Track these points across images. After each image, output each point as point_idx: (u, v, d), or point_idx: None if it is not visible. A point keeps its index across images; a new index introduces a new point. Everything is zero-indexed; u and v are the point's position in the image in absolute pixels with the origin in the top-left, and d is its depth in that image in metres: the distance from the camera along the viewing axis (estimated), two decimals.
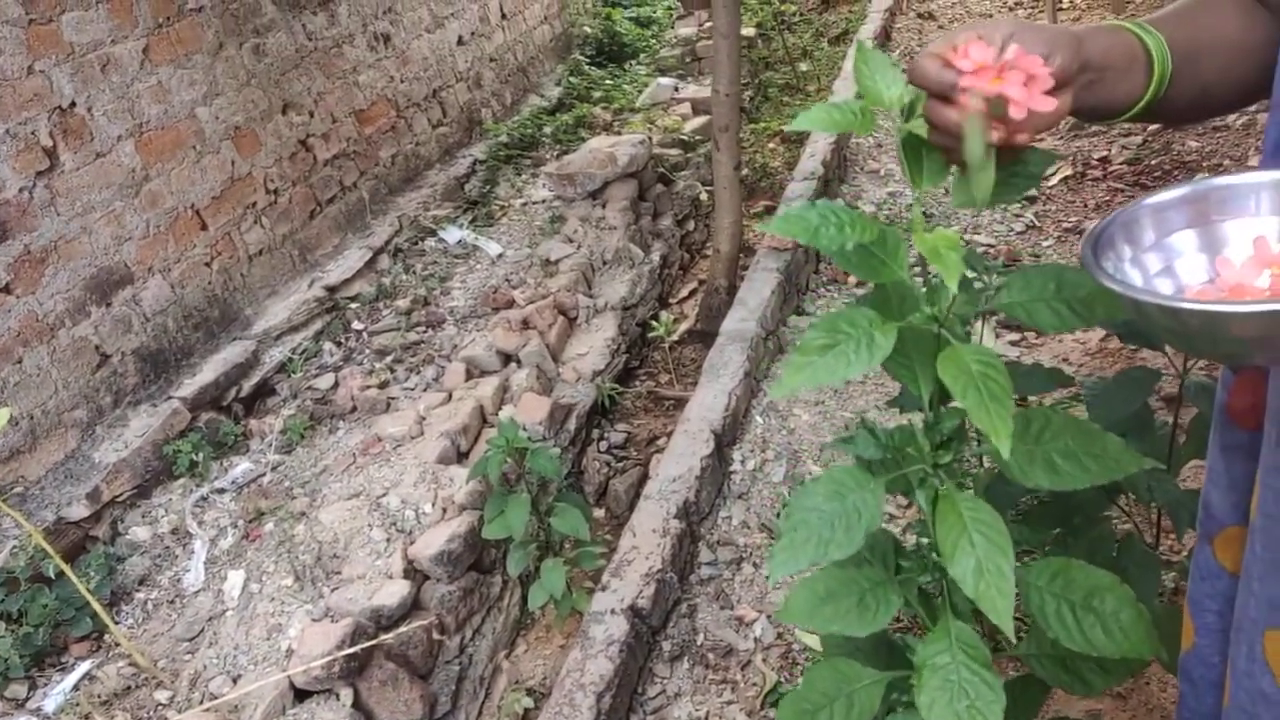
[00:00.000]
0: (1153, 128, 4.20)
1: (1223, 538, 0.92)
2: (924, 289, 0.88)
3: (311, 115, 3.91)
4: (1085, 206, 3.84)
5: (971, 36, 0.77)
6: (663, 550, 2.25)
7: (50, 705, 2.13)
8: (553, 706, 1.93)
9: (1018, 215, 3.93)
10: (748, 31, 6.46)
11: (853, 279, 3.72)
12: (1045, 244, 3.69)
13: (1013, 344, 3.18)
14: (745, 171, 4.61)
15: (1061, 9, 6.01)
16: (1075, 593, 0.92)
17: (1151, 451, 1.26)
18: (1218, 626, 0.91)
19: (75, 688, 2.19)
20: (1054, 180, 4.09)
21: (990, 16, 6.37)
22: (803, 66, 6.01)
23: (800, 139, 5.01)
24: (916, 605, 1.00)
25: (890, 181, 4.40)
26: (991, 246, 3.70)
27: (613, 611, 2.10)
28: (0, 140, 2.61)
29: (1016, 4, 6.52)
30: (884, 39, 6.16)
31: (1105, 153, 4.14)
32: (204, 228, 3.32)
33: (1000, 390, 0.74)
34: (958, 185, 0.80)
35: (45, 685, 2.23)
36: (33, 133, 2.70)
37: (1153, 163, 3.98)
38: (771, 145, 5.09)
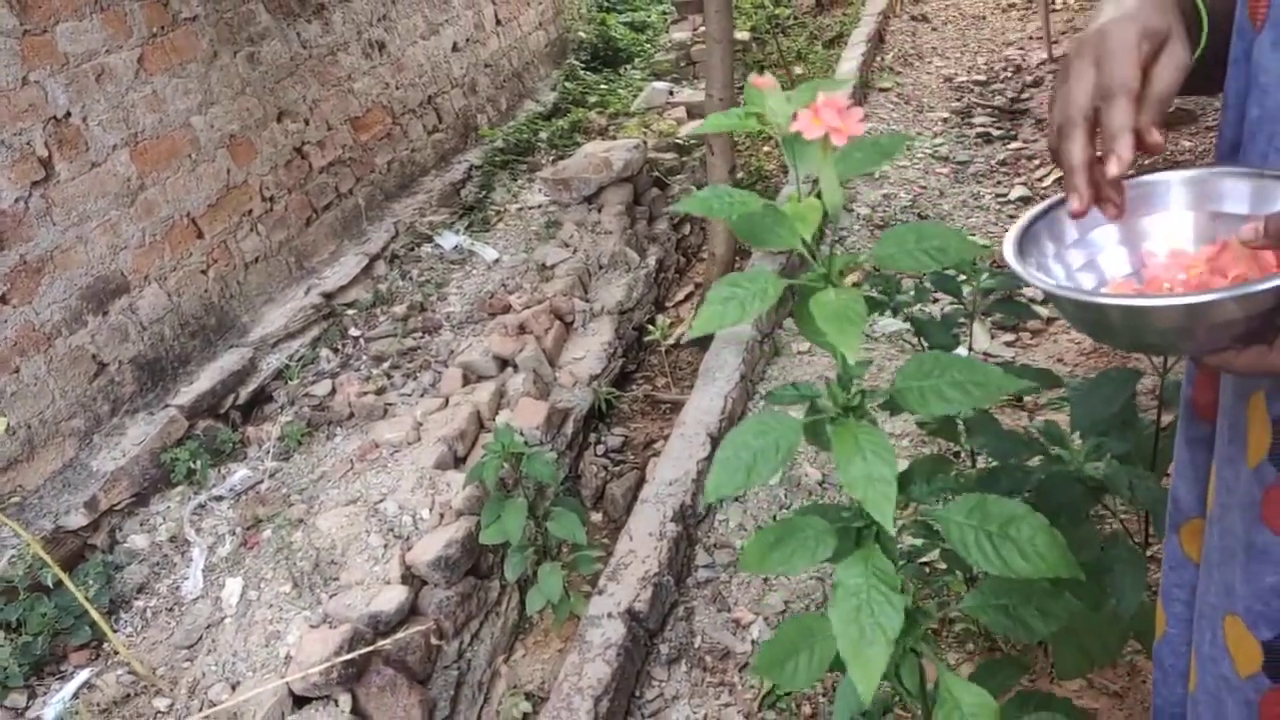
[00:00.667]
0: None
1: (1189, 528, 0.96)
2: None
3: (307, 123, 3.92)
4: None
5: (1092, 79, 0.75)
6: (659, 554, 2.26)
7: (50, 714, 2.13)
8: (551, 710, 1.94)
9: (1012, 216, 3.94)
10: (742, 35, 6.47)
11: (848, 280, 3.72)
12: None
13: (1008, 344, 3.19)
14: (740, 175, 4.62)
15: (1054, 10, 6.03)
16: (992, 523, 0.99)
17: (1135, 451, 1.27)
18: (1185, 615, 0.93)
19: (74, 696, 2.19)
20: (1049, 181, 4.10)
21: (983, 18, 6.39)
22: (797, 70, 6.02)
23: None
24: (850, 547, 1.08)
25: (885, 185, 4.41)
26: (987, 247, 3.72)
27: (610, 615, 2.11)
28: None
29: (1010, 5, 6.54)
30: (878, 41, 6.18)
31: (1097, 153, 4.16)
32: (200, 236, 3.33)
33: (855, 315, 0.85)
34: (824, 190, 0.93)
35: (44, 694, 2.24)
36: (28, 143, 2.71)
37: (1145, 162, 4.00)
38: (766, 149, 5.11)
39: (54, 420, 2.72)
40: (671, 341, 3.65)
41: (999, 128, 4.79)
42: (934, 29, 6.52)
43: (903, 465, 1.12)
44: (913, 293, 1.72)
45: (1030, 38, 5.90)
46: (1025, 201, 4.01)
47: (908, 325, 1.70)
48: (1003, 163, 4.39)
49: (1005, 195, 4.11)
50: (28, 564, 2.35)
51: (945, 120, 5.05)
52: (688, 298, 4.05)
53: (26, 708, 2.21)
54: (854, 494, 0.90)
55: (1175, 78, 0.74)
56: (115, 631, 2.39)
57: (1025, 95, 5.13)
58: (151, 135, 3.16)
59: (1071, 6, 6.20)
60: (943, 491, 1.18)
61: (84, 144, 2.90)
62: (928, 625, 1.12)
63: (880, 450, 0.93)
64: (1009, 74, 5.46)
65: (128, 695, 2.18)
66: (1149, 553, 1.49)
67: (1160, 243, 0.80)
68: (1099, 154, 0.76)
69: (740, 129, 0.96)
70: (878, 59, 5.99)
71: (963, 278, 1.54)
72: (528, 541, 2.39)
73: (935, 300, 3.16)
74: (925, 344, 1.48)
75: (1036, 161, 4.29)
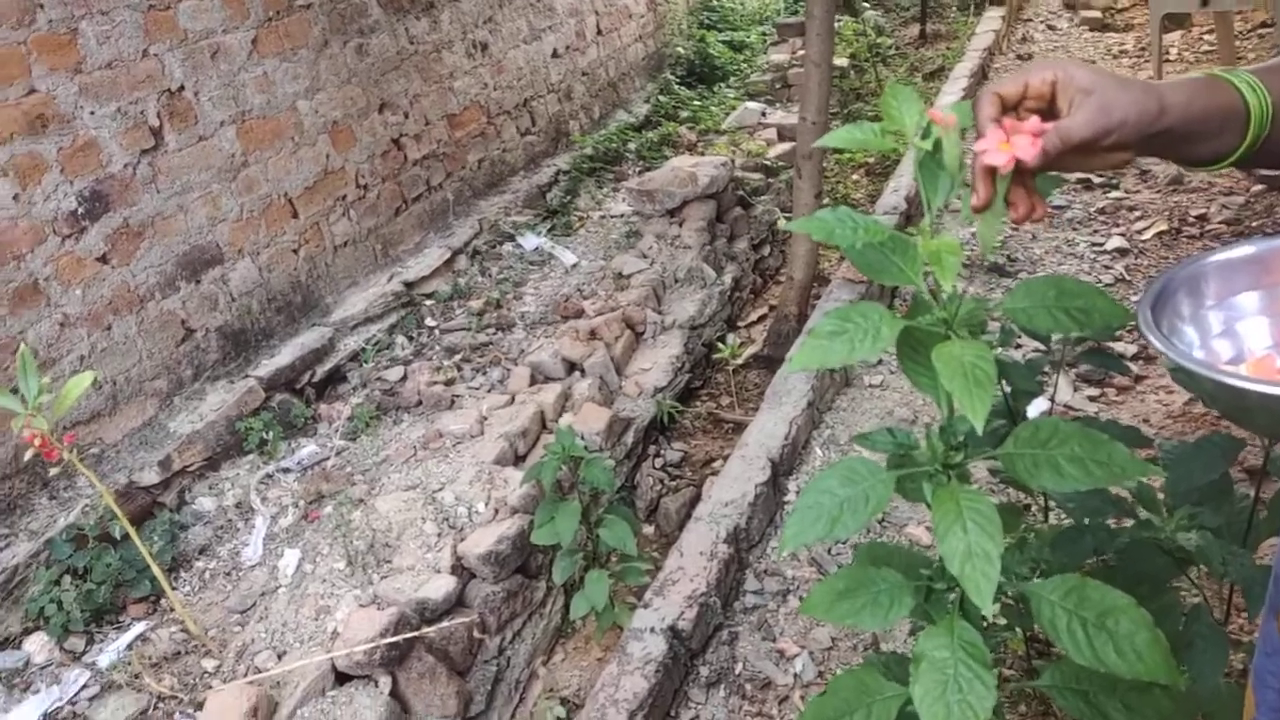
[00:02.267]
0: (1256, 189, 4.04)
1: None
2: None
3: (406, 116, 4.02)
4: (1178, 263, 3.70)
5: (1047, 77, 0.79)
6: (708, 574, 2.23)
7: (104, 661, 2.21)
8: (584, 719, 1.93)
9: (1107, 267, 3.81)
10: (841, 62, 6.43)
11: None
12: (1133, 298, 3.57)
13: (1091, 399, 3.08)
14: (826, 201, 4.57)
15: (1168, 60, 5.84)
16: (1089, 610, 0.92)
17: (1229, 525, 1.20)
18: (1278, 705, 0.87)
19: (129, 647, 2.26)
20: (1148, 234, 3.95)
21: (1093, 62, 6.22)
22: None
23: (885, 172, 4.95)
24: (931, 610, 1.02)
25: (976, 222, 4.30)
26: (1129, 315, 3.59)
27: (652, 630, 2.09)
28: (111, 117, 2.74)
29: (1121, 53, 6.35)
30: (980, 78, 6.06)
31: (1204, 210, 3.99)
32: (295, 216, 3.43)
33: (984, 377, 0.78)
34: (979, 234, 0.86)
35: (102, 641, 2.31)
36: (141, 112, 2.83)
37: (1253, 225, 3.82)
38: (855, 177, 5.05)
39: (139, 379, 2.83)
40: (740, 361, 3.62)
41: (1100, 175, 4.64)
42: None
43: None
44: (999, 333, 1.66)
45: None
46: (1121, 253, 3.87)
47: None
48: (1101, 211, 4.25)
49: (1101, 245, 3.97)
50: (99, 515, 2.43)
51: None
52: (760, 319, 4.02)
53: (84, 652, 2.29)
54: (951, 569, 0.84)
55: (1087, 115, 0.76)
56: (174, 589, 2.46)
57: None
58: (258, 115, 3.27)
59: (1186, 58, 5.99)
60: (1031, 561, 1.12)
61: (194, 117, 3.02)
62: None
63: (985, 522, 0.86)
64: None
65: (178, 652, 2.24)
66: (1224, 631, 1.40)
67: None
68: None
69: (871, 146, 0.92)
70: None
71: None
72: (578, 546, 2.38)
73: (1018, 345, 3.07)
74: (1006, 388, 1.43)
75: (1137, 213, 4.14)
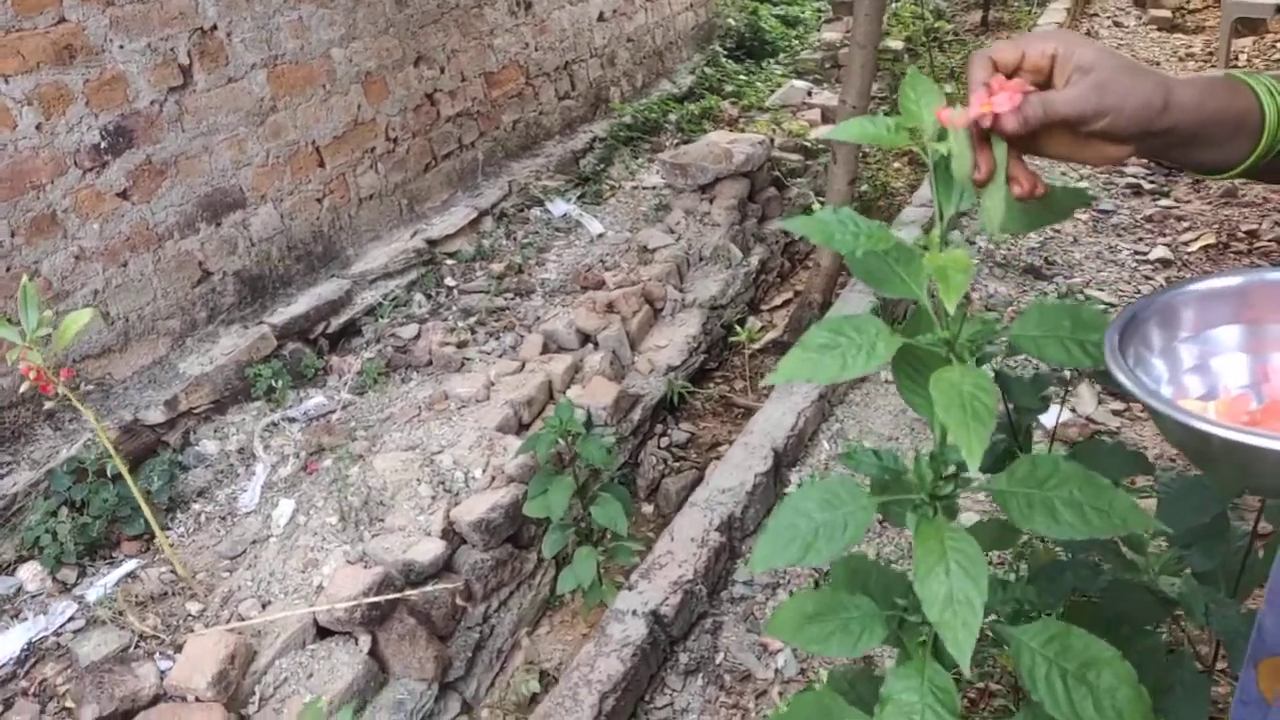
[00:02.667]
0: None
1: (1270, 664, 0.84)
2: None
3: (442, 71, 3.97)
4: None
5: (1046, 49, 0.73)
6: (697, 561, 2.19)
7: (91, 595, 2.23)
8: (555, 697, 1.91)
9: (1148, 278, 3.68)
10: (896, 44, 6.25)
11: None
12: None
13: (1115, 413, 2.98)
14: (865, 188, 4.46)
15: (1235, 65, 5.60)
16: (1070, 660, 0.87)
17: (1221, 569, 1.14)
18: None
19: (118, 583, 2.28)
20: (1194, 246, 3.81)
21: (1157, 64, 6.00)
22: (947, 89, 5.78)
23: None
24: (905, 641, 0.97)
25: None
26: (1111, 307, 3.48)
27: (634, 613, 2.06)
28: (141, 52, 2.72)
29: (1188, 55, 6.11)
30: None
31: (1255, 226, 3.83)
32: (321, 165, 3.41)
33: (984, 411, 0.73)
34: (981, 210, 0.79)
35: (93, 575, 2.34)
36: (172, 49, 2.81)
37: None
38: (897, 165, 4.92)
39: (152, 317, 2.83)
40: (758, 345, 3.56)
41: (1151, 181, 4.48)
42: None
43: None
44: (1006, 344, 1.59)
45: None
46: (1164, 264, 3.74)
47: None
48: (1149, 218, 4.10)
49: (1145, 254, 3.84)
50: (100, 449, 2.45)
51: None
52: (784, 304, 3.94)
53: (75, 584, 2.31)
54: (929, 614, 0.79)
55: (1078, 92, 0.70)
56: (168, 530, 2.48)
57: None
58: (291, 60, 3.24)
59: (1256, 65, 5.75)
60: (1014, 603, 1.06)
61: (225, 58, 2.99)
62: None
63: (970, 565, 0.80)
64: None
65: (165, 593, 2.26)
66: (1209, 677, 1.34)
67: None
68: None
69: (882, 143, 0.85)
70: None
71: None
72: (571, 521, 2.36)
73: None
74: (1009, 404, 1.36)
75: (1185, 224, 3.99)
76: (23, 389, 1.90)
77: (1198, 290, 0.70)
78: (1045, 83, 0.75)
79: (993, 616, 1.08)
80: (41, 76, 2.49)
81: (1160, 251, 3.80)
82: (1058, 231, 4.10)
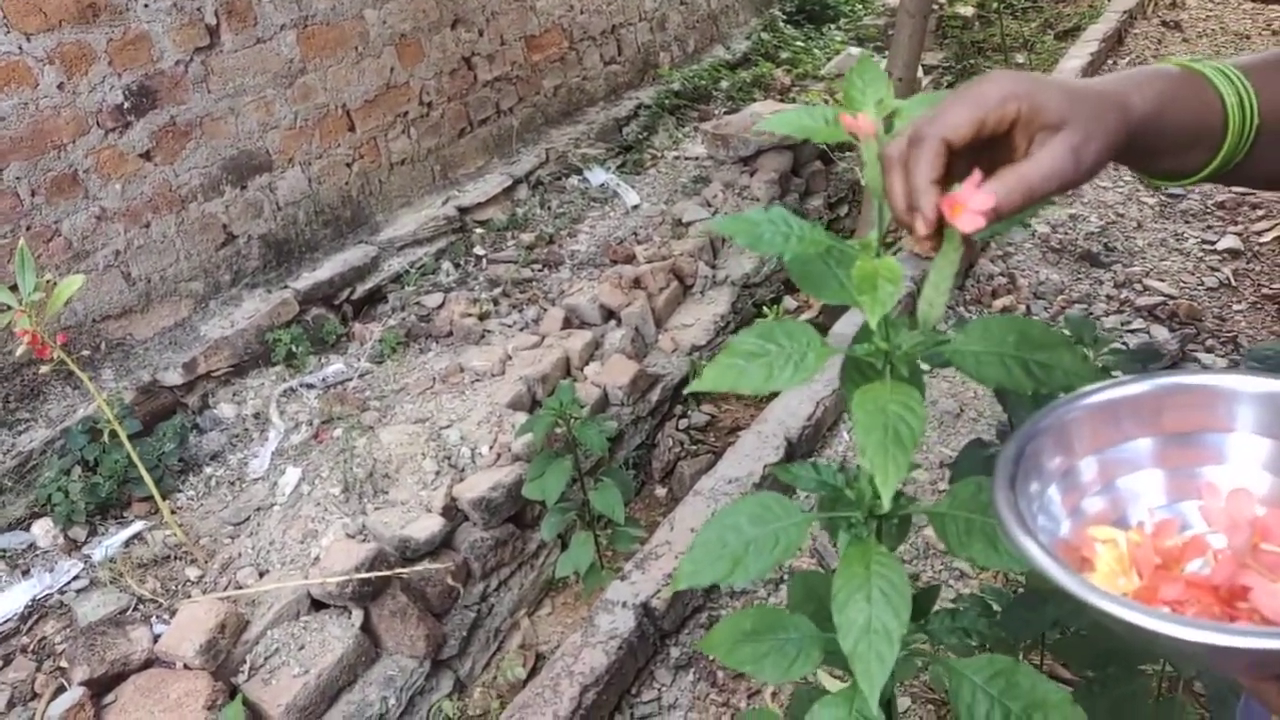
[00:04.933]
0: None
1: None
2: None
3: (481, 34, 3.89)
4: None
5: (1008, 112, 0.60)
6: None
7: (97, 555, 2.26)
8: (535, 687, 1.87)
9: (1213, 269, 3.44)
10: (966, 11, 5.97)
11: (999, 303, 3.38)
12: (1236, 307, 3.21)
13: None
14: None
15: None
16: (1015, 699, 0.81)
17: None
18: None
19: (125, 545, 2.31)
20: (1268, 236, 3.55)
21: (1247, 39, 5.60)
22: (1018, 59, 5.49)
23: None
24: (845, 668, 0.91)
25: (1076, 203, 3.96)
26: (1170, 299, 3.26)
27: (624, 605, 2.00)
28: (166, 12, 2.71)
29: None
30: (1115, 42, 5.53)
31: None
32: (351, 129, 3.38)
33: (908, 435, 0.67)
34: (922, 297, 0.70)
35: (103, 535, 2.37)
36: (198, 9, 2.79)
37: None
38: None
39: (174, 279, 2.85)
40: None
41: None
42: (1185, 39, 5.77)
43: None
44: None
45: None
46: (1233, 255, 3.49)
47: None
48: (1220, 205, 3.83)
49: (1213, 243, 3.59)
50: (115, 410, 2.47)
51: None
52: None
53: (85, 543, 2.35)
54: (843, 644, 0.74)
55: (1056, 161, 0.58)
56: (178, 492, 2.50)
57: None
58: (322, 21, 3.20)
59: None
60: (962, 631, 0.98)
61: (253, 19, 2.96)
62: None
63: (894, 596, 0.76)
64: None
65: (168, 556, 2.28)
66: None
67: (1219, 478, 0.59)
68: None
69: (817, 137, 0.78)
70: (1110, 61, 5.36)
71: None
72: (572, 504, 2.30)
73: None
74: (1007, 415, 1.25)
75: (1260, 211, 3.71)
76: (19, 353, 1.91)
77: (1096, 402, 0.60)
78: (999, 142, 0.62)
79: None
80: (64, 35, 2.49)
81: (1229, 241, 3.55)
82: (1120, 216, 3.87)
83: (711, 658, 2.09)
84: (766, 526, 0.85)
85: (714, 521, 0.87)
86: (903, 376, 0.78)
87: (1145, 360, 1.22)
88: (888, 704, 0.95)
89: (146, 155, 2.72)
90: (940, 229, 0.62)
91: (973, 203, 0.59)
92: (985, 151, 0.61)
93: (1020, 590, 1.38)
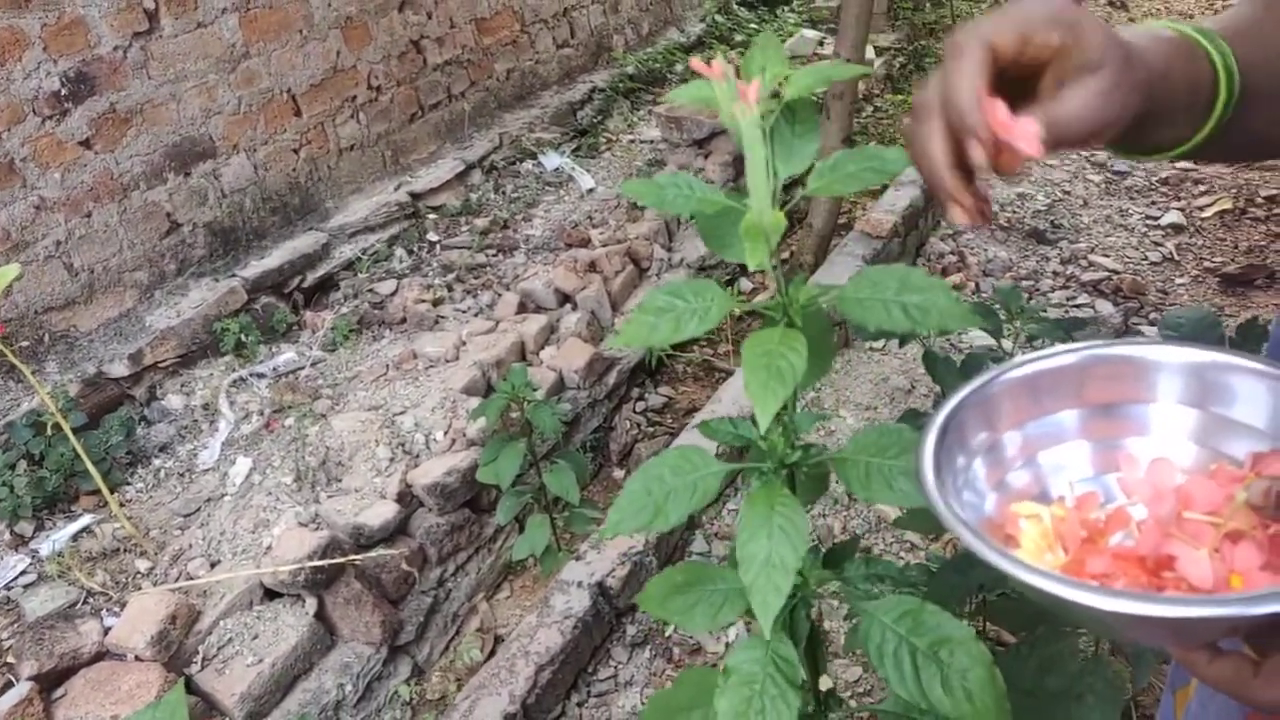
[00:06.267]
0: None
1: (1184, 692, 0.88)
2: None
3: (429, 16, 3.85)
4: (1235, 248, 3.40)
5: (1052, 39, 0.53)
6: (649, 531, 2.14)
7: (44, 550, 2.22)
8: (491, 668, 1.88)
9: (1157, 244, 3.52)
10: None
11: (949, 280, 3.43)
12: (1179, 281, 3.30)
13: None
14: (860, 143, 4.30)
15: None
16: (921, 636, 0.84)
17: None
18: None
19: (73, 539, 2.27)
20: (1209, 211, 3.63)
21: (1190, 17, 5.71)
22: None
23: None
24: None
25: (1024, 183, 4.02)
26: (1115, 274, 3.33)
27: (579, 584, 2.01)
28: None
29: (1226, 7, 5.81)
30: None
31: (1276, 191, 3.64)
32: (298, 114, 3.33)
33: (788, 371, 0.72)
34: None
35: (50, 529, 2.33)
36: None
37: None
38: (907, 120, 4.74)
39: (118, 269, 2.79)
40: (747, 308, 3.46)
41: None
42: (1131, 19, 5.87)
43: None
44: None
45: None
46: (1176, 229, 3.57)
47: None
48: (1164, 181, 3.92)
49: (1156, 219, 3.67)
50: (59, 404, 2.43)
51: None
52: (778, 265, 3.83)
53: (32, 537, 2.30)
54: (744, 577, 0.77)
55: (1088, 104, 0.52)
56: (126, 485, 2.46)
57: None
58: (264, 4, 3.15)
59: None
60: (887, 581, 1.00)
61: (194, 2, 2.90)
62: None
63: (791, 530, 0.80)
64: None
65: (117, 549, 2.25)
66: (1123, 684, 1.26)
67: (1142, 447, 0.60)
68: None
69: (713, 105, 0.80)
70: None
71: (1004, 314, 1.31)
72: (527, 487, 2.30)
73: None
74: (937, 385, 1.27)
75: (1202, 187, 3.80)
76: None
77: (1022, 375, 0.61)
78: (1030, 75, 0.55)
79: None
80: None
81: (1173, 216, 3.64)
82: (1067, 194, 3.94)
83: (667, 634, 2.11)
84: (685, 477, 0.89)
85: (640, 473, 0.91)
86: (796, 325, 0.81)
87: (1069, 329, 1.25)
88: (812, 652, 0.97)
89: (86, 143, 2.66)
90: (980, 204, 0.54)
91: (1018, 128, 0.51)
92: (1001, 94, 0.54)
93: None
